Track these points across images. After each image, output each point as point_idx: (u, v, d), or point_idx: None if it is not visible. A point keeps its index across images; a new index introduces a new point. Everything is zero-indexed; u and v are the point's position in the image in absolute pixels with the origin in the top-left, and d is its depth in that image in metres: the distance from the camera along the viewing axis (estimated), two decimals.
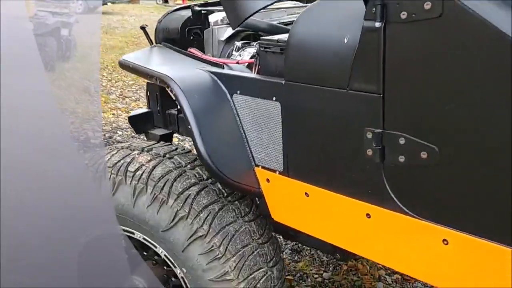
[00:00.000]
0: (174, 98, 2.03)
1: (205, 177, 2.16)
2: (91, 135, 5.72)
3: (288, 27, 2.74)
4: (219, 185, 2.15)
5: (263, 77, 1.94)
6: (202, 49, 2.70)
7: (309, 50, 1.75)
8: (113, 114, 6.99)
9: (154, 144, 2.32)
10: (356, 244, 1.77)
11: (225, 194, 2.14)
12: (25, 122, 2.05)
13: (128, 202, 2.08)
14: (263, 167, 2.01)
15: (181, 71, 2.15)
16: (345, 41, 1.63)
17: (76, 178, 2.14)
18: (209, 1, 2.89)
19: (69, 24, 9.95)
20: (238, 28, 2.67)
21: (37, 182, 2.16)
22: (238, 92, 2.02)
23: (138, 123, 2.95)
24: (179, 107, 2.83)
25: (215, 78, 2.09)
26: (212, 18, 2.69)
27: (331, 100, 1.70)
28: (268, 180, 2.00)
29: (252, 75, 2.02)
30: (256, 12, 1.99)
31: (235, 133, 2.04)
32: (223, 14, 2.73)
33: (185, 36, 2.64)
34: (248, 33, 2.70)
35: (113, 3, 21.30)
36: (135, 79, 8.98)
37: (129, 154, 2.20)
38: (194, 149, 2.10)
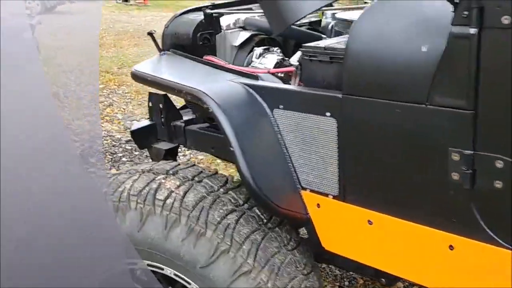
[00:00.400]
0: (211, 115, 1.78)
1: (241, 202, 1.92)
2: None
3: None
4: (257, 211, 1.92)
5: (314, 90, 1.71)
6: (215, 56, 2.46)
7: (376, 60, 1.53)
8: (88, 121, 6.63)
9: (177, 166, 2.06)
10: (435, 279, 1.56)
11: (265, 221, 1.91)
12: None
13: (159, 235, 1.82)
14: (311, 191, 1.79)
15: (212, 84, 1.90)
16: (424, 49, 1.42)
17: (95, 209, 1.88)
18: (218, 2, 2.64)
19: (32, 25, 9.47)
20: (252, 32, 2.46)
21: (46, 215, 1.89)
22: (281, 106, 1.79)
23: (141, 138, 2.69)
24: (181, 118, 2.59)
25: (251, 91, 1.85)
26: (223, 21, 2.45)
27: (405, 116, 1.49)
28: (318, 205, 1.78)
29: (299, 88, 1.79)
30: (306, 16, 1.78)
31: (277, 153, 1.81)
32: (235, 16, 2.50)
33: (197, 42, 2.39)
34: (262, 37, 2.48)
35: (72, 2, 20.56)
36: (105, 82, 8.60)
37: (154, 179, 1.94)
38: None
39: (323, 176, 1.74)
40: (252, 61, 2.31)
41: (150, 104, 2.69)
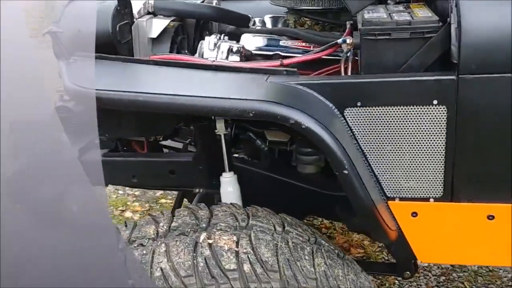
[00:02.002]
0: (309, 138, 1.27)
1: (306, 237, 1.47)
2: None
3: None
4: (323, 242, 1.50)
5: (412, 77, 1.36)
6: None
7: None
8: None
9: (199, 213, 1.45)
10: None
11: (337, 251, 1.51)
12: None
13: None
14: (402, 199, 1.46)
15: (266, 92, 1.34)
16: None
17: None
18: None
19: None
20: (167, 19, 1.91)
21: None
22: (359, 104, 1.38)
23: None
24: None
25: (310, 91, 1.38)
26: (134, 8, 1.84)
27: None
28: (415, 214, 1.46)
29: (389, 77, 1.38)
30: None
31: (362, 162, 1.41)
32: (143, 0, 1.90)
33: (118, 38, 1.70)
34: (177, 24, 1.96)
35: None
36: None
37: (196, 243, 1.32)
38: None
39: (421, 177, 1.42)
40: (202, 52, 1.78)
41: None
